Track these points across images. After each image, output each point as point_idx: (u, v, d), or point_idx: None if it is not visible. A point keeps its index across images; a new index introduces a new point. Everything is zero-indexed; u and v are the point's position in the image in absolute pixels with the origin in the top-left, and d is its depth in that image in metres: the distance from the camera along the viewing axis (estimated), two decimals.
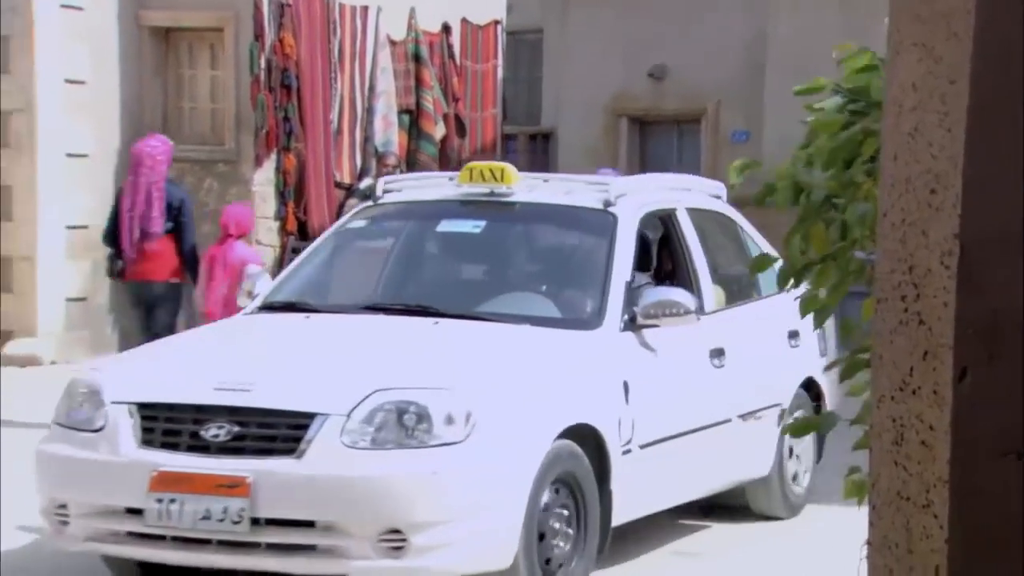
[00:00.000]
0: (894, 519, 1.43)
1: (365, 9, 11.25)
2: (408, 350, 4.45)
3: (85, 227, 9.53)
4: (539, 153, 16.20)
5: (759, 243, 5.66)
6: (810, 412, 5.54)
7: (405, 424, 3.95)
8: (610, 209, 4.97)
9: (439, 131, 12.06)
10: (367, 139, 11.32)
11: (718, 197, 5.75)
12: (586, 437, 4.32)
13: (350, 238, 5.37)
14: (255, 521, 3.91)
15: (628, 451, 4.50)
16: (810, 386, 5.67)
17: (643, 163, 15.70)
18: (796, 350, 5.59)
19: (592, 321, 4.65)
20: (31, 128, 9.52)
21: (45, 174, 9.64)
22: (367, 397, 3.99)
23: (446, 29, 12.26)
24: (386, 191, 5.32)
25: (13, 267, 9.60)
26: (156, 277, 7.04)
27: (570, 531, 4.24)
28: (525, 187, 5.10)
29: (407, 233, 5.34)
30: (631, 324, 4.68)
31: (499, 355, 4.39)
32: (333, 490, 3.91)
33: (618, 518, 4.49)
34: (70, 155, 9.76)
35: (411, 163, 11.36)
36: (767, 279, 5.50)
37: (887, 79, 1.54)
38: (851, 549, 2.10)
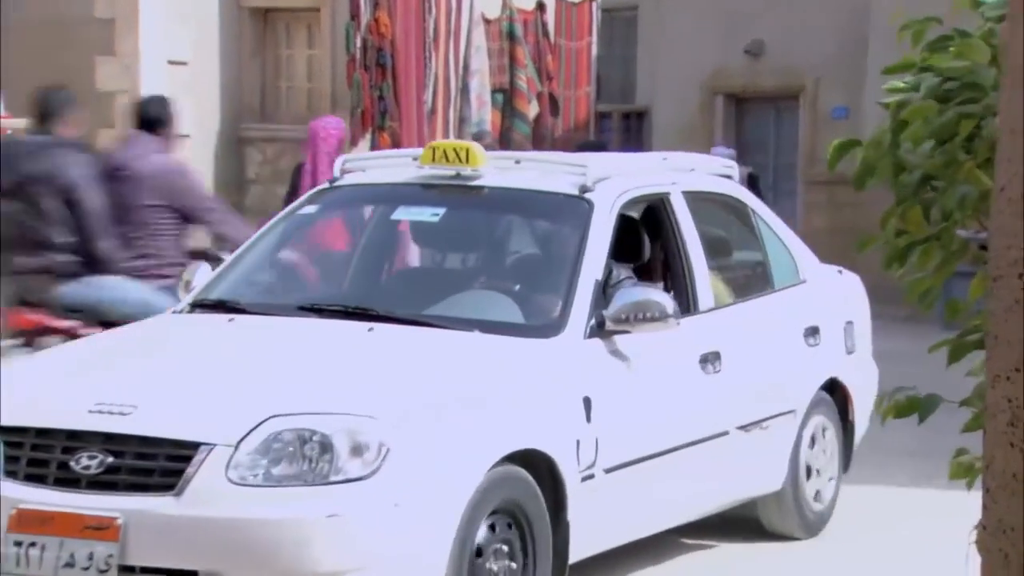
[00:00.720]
0: (1009, 502, 1.39)
1: None
2: (323, 365, 3.82)
3: None
4: (633, 132, 16.10)
5: (776, 229, 5.12)
6: (833, 418, 5.06)
7: (306, 456, 3.38)
8: (586, 195, 4.33)
9: (532, 110, 12.04)
10: (461, 119, 11.35)
11: (728, 177, 5.12)
12: (537, 462, 3.78)
13: (300, 225, 4.74)
14: (125, 569, 3.36)
15: (589, 476, 3.91)
16: (833, 388, 5.08)
17: (739, 141, 15.50)
18: (815, 349, 4.98)
19: (551, 327, 4.03)
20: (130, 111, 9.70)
21: None
22: (260, 424, 3.41)
23: (540, 7, 12.23)
24: (345, 171, 4.69)
25: None
26: (339, 247, 7.05)
27: (514, 565, 3.69)
28: (494, 169, 4.47)
29: (358, 221, 4.78)
30: (599, 330, 4.06)
31: (431, 370, 3.78)
32: (215, 534, 3.34)
33: (579, 551, 3.93)
34: None
35: (504, 142, 11.37)
36: (782, 270, 5.05)
37: (1008, 49, 1.48)
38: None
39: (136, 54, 9.62)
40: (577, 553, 3.92)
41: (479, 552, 3.57)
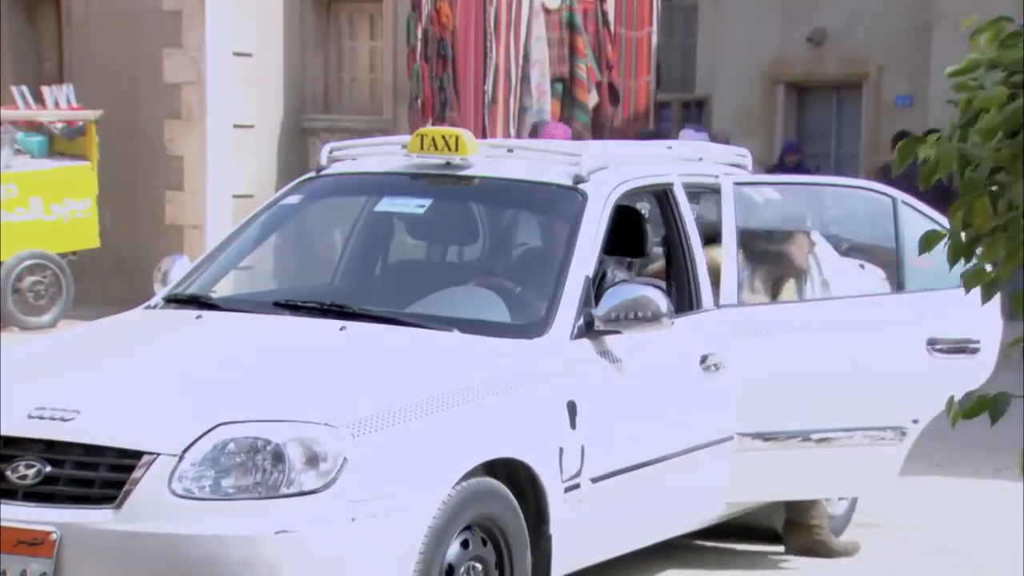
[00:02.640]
0: None
1: None
2: (285, 367, 3.57)
3: (251, 196, 9.86)
4: (693, 121, 16.00)
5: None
6: None
7: (257, 467, 3.15)
8: (580, 186, 4.04)
9: (592, 99, 12.03)
10: (521, 108, 11.37)
11: (739, 166, 4.75)
12: (517, 472, 3.53)
13: (283, 216, 4.48)
14: None
15: (574, 486, 3.66)
16: None
17: (800, 131, 15.36)
18: None
19: (536, 327, 3.76)
20: (201, 100, 9.88)
21: (213, 145, 10.00)
22: (208, 432, 3.18)
23: None
24: (332, 160, 4.42)
25: (184, 235, 10.00)
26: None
27: None
28: (485, 158, 4.20)
29: (342, 212, 4.53)
30: (588, 330, 3.79)
31: (401, 373, 3.52)
32: (155, 552, 3.09)
33: (562, 567, 3.68)
34: (237, 126, 10.09)
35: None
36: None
37: None
38: None
39: (202, 46, 9.75)
40: (560, 569, 3.69)
41: (450, 571, 3.34)
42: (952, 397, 2.33)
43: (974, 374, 4.37)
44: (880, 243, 4.69)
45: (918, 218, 4.53)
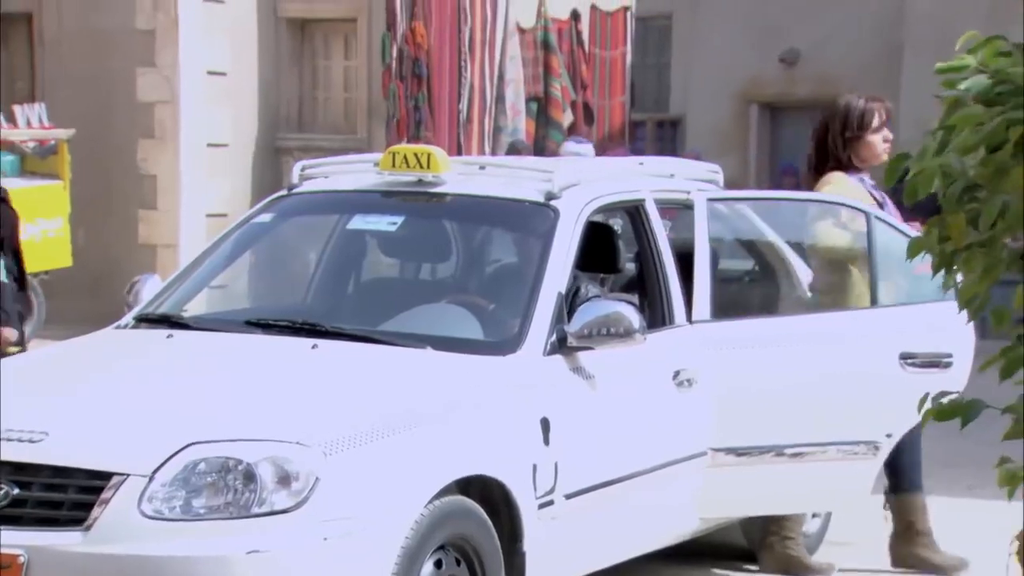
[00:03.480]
0: None
1: None
2: (256, 386, 3.55)
3: (224, 215, 9.82)
4: (667, 140, 16.08)
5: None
6: None
7: (229, 487, 3.13)
8: (551, 203, 4.03)
9: (567, 118, 12.07)
10: (496, 128, 11.39)
11: (712, 182, 4.77)
12: (491, 489, 3.51)
13: (255, 234, 4.45)
14: None
15: (548, 503, 3.64)
16: None
17: (773, 150, 15.46)
18: None
19: (508, 344, 3.74)
20: (174, 119, 9.84)
21: (187, 163, 9.96)
22: (178, 452, 3.15)
23: (575, 16, 12.26)
24: (304, 178, 4.40)
25: (157, 254, 9.95)
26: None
27: None
28: (457, 176, 4.20)
29: (314, 230, 4.50)
30: (560, 346, 3.78)
31: (373, 391, 3.50)
32: (125, 574, 3.08)
33: None
34: (211, 145, 10.06)
35: (539, 151, 11.40)
36: None
37: None
38: None
39: (176, 65, 9.72)
40: None
41: None
42: (926, 395, 2.33)
43: (947, 388, 4.40)
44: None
45: (892, 234, 4.57)
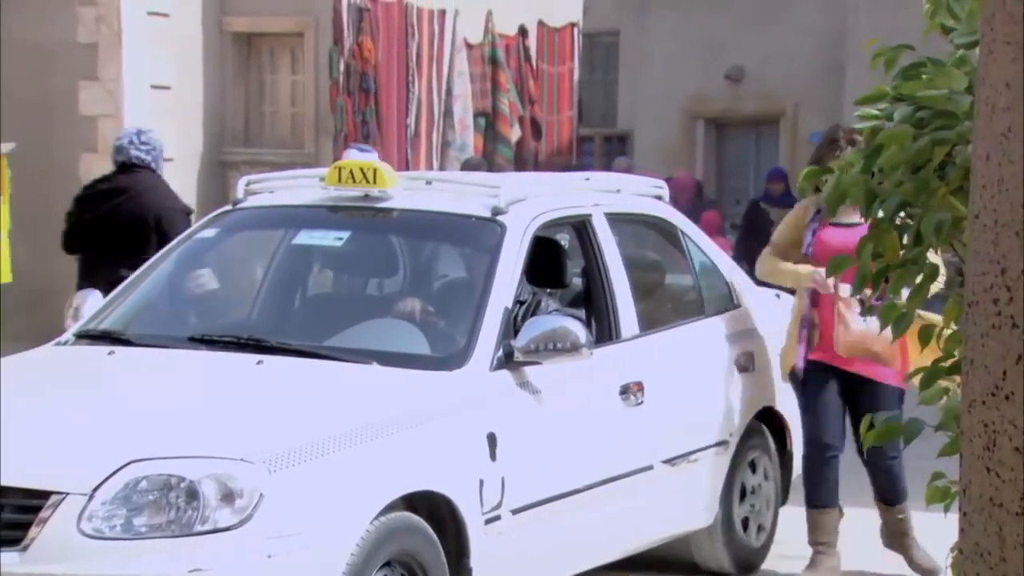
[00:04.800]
0: (986, 526, 1.42)
1: (442, 13, 11.35)
2: (199, 402, 3.52)
3: None
4: (615, 155, 16.19)
5: (707, 251, 4.89)
6: (769, 448, 4.85)
7: (171, 504, 3.09)
8: (498, 218, 4.05)
9: (515, 134, 12.11)
10: (444, 142, 11.40)
11: (659, 198, 4.86)
12: (437, 505, 3.51)
13: (199, 250, 4.43)
14: None
15: (495, 518, 3.65)
16: (770, 417, 4.85)
17: (719, 165, 15.62)
18: (749, 376, 4.73)
19: (454, 359, 3.75)
20: (118, 133, 9.72)
21: None
22: (119, 470, 3.11)
23: (523, 32, 12.31)
24: (249, 192, 4.39)
25: None
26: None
27: None
28: (404, 191, 4.21)
29: (259, 245, 4.48)
30: (507, 361, 3.79)
31: (318, 407, 3.48)
32: None
33: None
34: None
35: (488, 166, 11.43)
36: (714, 295, 4.83)
37: (979, 78, 1.53)
38: None
39: (119, 79, 9.63)
40: None
41: None
42: (868, 416, 2.39)
43: (755, 387, 4.86)
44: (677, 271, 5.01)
45: (700, 246, 4.94)
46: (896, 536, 4.98)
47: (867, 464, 4.90)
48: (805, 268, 4.71)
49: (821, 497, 4.79)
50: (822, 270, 4.55)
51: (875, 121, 2.25)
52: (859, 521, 5.17)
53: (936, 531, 3.10)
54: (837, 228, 4.64)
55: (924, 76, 2.17)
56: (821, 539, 4.82)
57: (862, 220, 4.48)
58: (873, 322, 4.36)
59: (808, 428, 4.78)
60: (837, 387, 4.76)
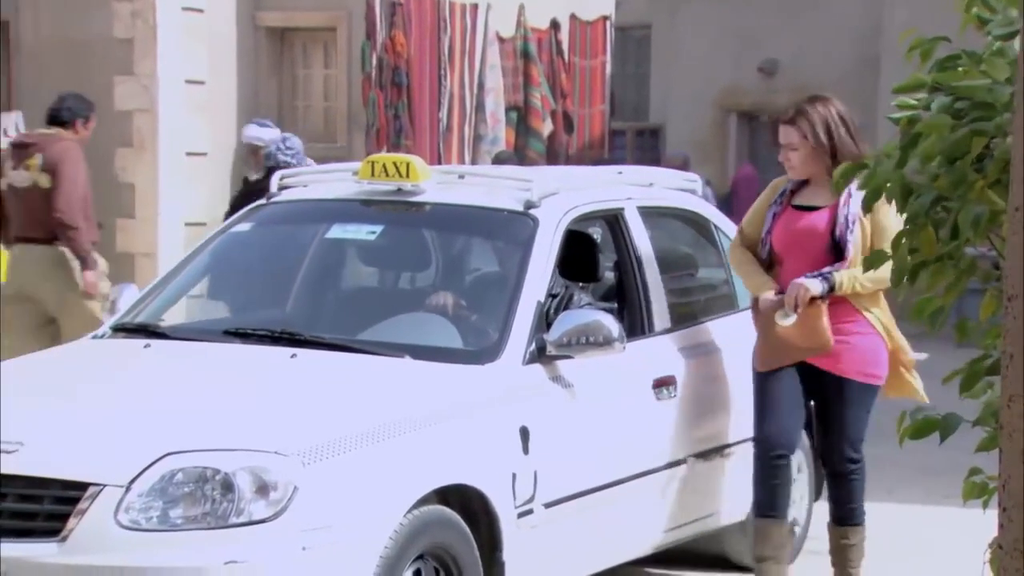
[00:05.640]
0: None
1: (475, 7, 11.35)
2: (234, 395, 3.55)
3: (203, 224, 9.79)
4: (647, 149, 16.14)
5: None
6: (802, 442, 4.67)
7: (207, 497, 3.12)
8: (530, 212, 4.07)
9: (547, 128, 12.10)
10: (476, 136, 11.41)
11: (691, 191, 4.88)
12: (470, 498, 3.53)
13: (234, 244, 4.46)
14: None
15: (527, 512, 3.67)
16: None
17: (752, 159, 15.52)
18: None
19: (487, 353, 3.77)
20: (152, 128, 9.81)
21: (165, 172, 9.93)
22: (155, 463, 3.15)
23: (555, 25, 12.30)
24: (282, 187, 4.44)
25: (135, 263, 9.90)
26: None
27: None
28: (436, 185, 4.22)
29: (292, 239, 4.51)
30: (540, 355, 3.81)
31: (352, 400, 3.50)
32: None
33: None
34: (189, 154, 10.03)
35: (519, 160, 11.42)
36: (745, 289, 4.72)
37: (1018, 69, 1.51)
38: None
39: (154, 74, 9.69)
40: None
41: None
42: (903, 413, 2.37)
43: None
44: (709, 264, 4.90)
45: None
46: (838, 567, 4.43)
47: (825, 473, 4.46)
48: (765, 289, 4.29)
49: (764, 504, 4.31)
50: (770, 295, 4.22)
51: (912, 111, 2.22)
52: (899, 518, 5.14)
53: (974, 527, 3.08)
54: (799, 212, 4.28)
55: (960, 68, 2.15)
56: (766, 552, 4.30)
57: (827, 203, 4.21)
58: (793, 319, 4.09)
59: (755, 427, 4.38)
60: (796, 384, 4.29)
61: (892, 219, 4.09)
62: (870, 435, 5.58)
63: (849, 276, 4.19)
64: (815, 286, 4.17)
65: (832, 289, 4.17)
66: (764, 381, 4.34)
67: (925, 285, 2.28)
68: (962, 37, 2.28)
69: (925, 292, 2.31)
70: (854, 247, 4.20)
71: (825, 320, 4.19)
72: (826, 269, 4.20)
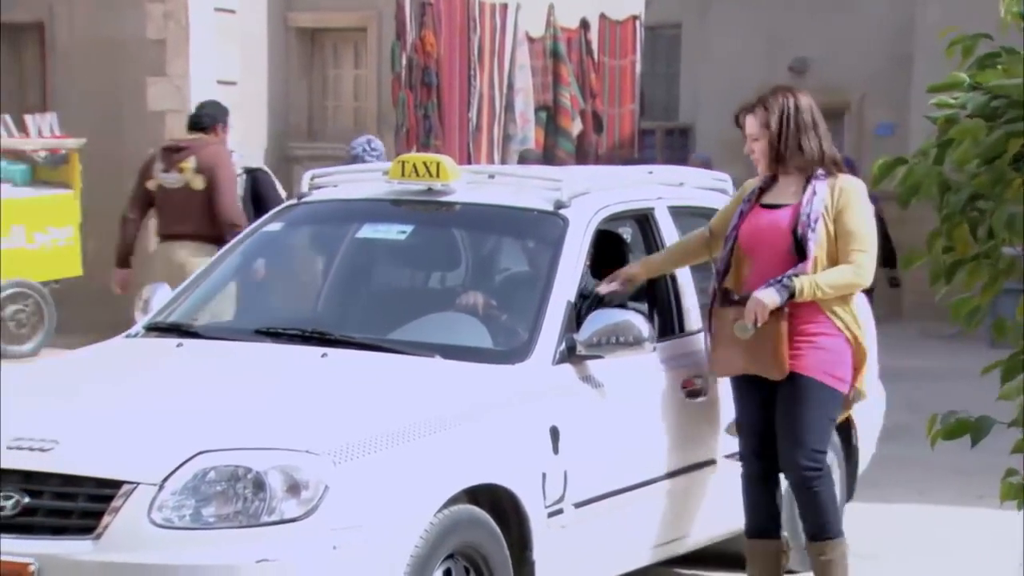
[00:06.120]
0: None
1: (504, 7, 11.35)
2: (266, 394, 3.55)
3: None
4: (676, 148, 16.09)
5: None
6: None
7: (238, 495, 3.12)
8: (560, 212, 4.05)
9: (576, 127, 12.09)
10: (505, 136, 11.41)
11: (721, 191, 4.78)
12: (500, 498, 3.51)
13: (265, 244, 4.48)
14: None
15: (557, 512, 3.64)
16: None
17: None
18: None
19: (517, 352, 3.75)
20: (184, 128, 9.86)
21: None
22: (187, 461, 3.16)
23: (584, 25, 12.28)
24: (313, 187, 4.45)
25: None
26: None
27: None
28: (466, 185, 4.21)
29: (323, 239, 4.53)
30: (570, 355, 3.78)
31: (382, 400, 3.50)
32: None
33: None
34: None
35: (548, 159, 11.42)
36: None
37: None
38: None
39: (186, 74, 9.75)
40: None
41: None
42: (935, 416, 2.33)
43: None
44: None
45: None
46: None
47: (789, 485, 4.12)
48: (630, 271, 4.14)
49: (750, 524, 4.14)
50: (607, 286, 4.02)
51: (949, 110, 2.20)
52: (927, 519, 5.11)
53: (1008, 528, 3.05)
54: (765, 210, 4.09)
55: (1000, 66, 2.13)
56: (755, 574, 4.13)
57: (792, 201, 3.96)
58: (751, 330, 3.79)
59: (739, 443, 4.17)
60: (763, 396, 4.03)
61: (861, 224, 4.02)
62: (900, 435, 5.55)
63: (810, 282, 3.93)
64: (773, 298, 3.90)
65: (792, 296, 3.92)
66: (736, 397, 4.12)
67: (961, 284, 2.26)
68: (1004, 34, 2.26)
69: (962, 291, 2.28)
70: (816, 246, 3.96)
71: (784, 346, 3.94)
72: (787, 274, 3.94)
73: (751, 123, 4.20)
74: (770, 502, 4.12)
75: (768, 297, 3.93)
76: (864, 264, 4.00)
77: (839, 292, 4.01)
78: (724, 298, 4.08)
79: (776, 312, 3.94)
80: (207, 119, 6.95)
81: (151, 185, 6.75)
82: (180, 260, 6.43)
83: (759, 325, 3.93)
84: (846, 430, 4.85)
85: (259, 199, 6.87)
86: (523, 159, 10.40)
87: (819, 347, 4.01)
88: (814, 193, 4.02)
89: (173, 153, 6.75)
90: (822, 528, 4.06)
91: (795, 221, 4.01)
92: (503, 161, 11.16)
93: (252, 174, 7.06)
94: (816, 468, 4.01)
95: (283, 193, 6.97)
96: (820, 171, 4.07)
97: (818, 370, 3.99)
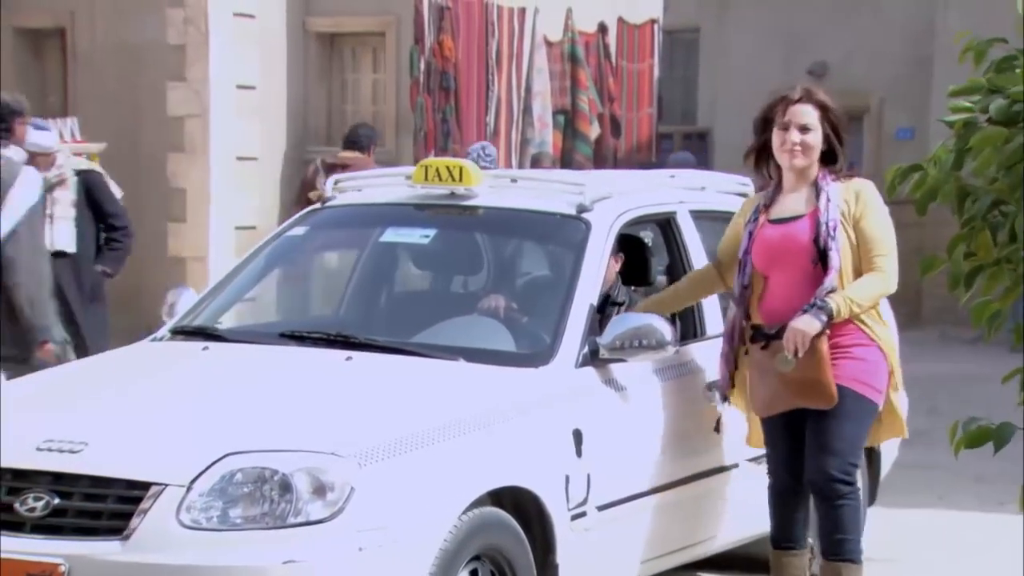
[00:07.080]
0: None
1: (522, 11, 11.37)
2: (291, 397, 3.58)
3: (253, 227, 9.88)
4: (694, 153, 16.08)
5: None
6: None
7: (265, 497, 3.15)
8: (583, 216, 4.06)
9: (594, 131, 12.09)
10: (523, 140, 11.42)
11: (743, 195, 4.71)
12: (523, 500, 3.53)
13: (289, 247, 4.52)
14: None
15: (581, 514, 3.66)
16: None
17: None
18: None
19: (540, 356, 3.78)
20: (204, 132, 9.92)
21: (217, 177, 10.03)
22: (215, 463, 3.18)
23: (602, 29, 12.29)
24: (337, 191, 4.47)
25: (186, 267, 10.01)
26: None
27: None
28: (489, 189, 4.23)
29: (347, 243, 4.59)
30: (593, 358, 3.81)
31: (407, 402, 3.52)
32: None
33: None
34: (240, 158, 10.13)
35: (566, 163, 11.43)
36: None
37: None
38: None
39: (206, 79, 9.80)
40: None
41: None
42: (956, 423, 2.33)
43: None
44: None
45: None
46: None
47: (813, 498, 4.02)
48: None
49: (776, 534, 4.07)
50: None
51: (968, 114, 2.20)
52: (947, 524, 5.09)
53: None
54: (776, 225, 3.99)
55: (1017, 70, 2.13)
56: None
57: (806, 211, 3.85)
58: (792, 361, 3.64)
59: (767, 457, 4.15)
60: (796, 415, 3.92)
61: (882, 228, 3.95)
62: (921, 441, 5.53)
63: (845, 300, 3.83)
64: (813, 325, 3.79)
65: (830, 318, 3.79)
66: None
67: (981, 289, 2.26)
68: (1021, 35, 2.26)
69: (982, 296, 2.29)
70: (840, 255, 3.86)
71: (829, 374, 3.81)
72: (818, 296, 3.80)
73: (806, 112, 4.04)
74: (798, 514, 4.05)
75: (808, 325, 3.81)
76: (889, 270, 3.94)
77: (872, 303, 3.93)
78: (756, 335, 3.94)
79: (815, 338, 3.82)
80: (364, 139, 7.56)
81: (313, 195, 7.07)
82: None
83: (800, 355, 3.81)
84: None
85: (95, 202, 6.61)
86: (536, 161, 10.43)
87: (853, 357, 3.92)
88: (828, 200, 3.93)
89: (335, 169, 7.07)
90: (840, 546, 3.92)
91: (815, 231, 3.91)
92: (521, 165, 11.18)
93: (84, 176, 6.75)
94: (846, 482, 3.91)
95: (119, 193, 6.74)
96: (827, 175, 4.00)
97: (852, 379, 3.90)
